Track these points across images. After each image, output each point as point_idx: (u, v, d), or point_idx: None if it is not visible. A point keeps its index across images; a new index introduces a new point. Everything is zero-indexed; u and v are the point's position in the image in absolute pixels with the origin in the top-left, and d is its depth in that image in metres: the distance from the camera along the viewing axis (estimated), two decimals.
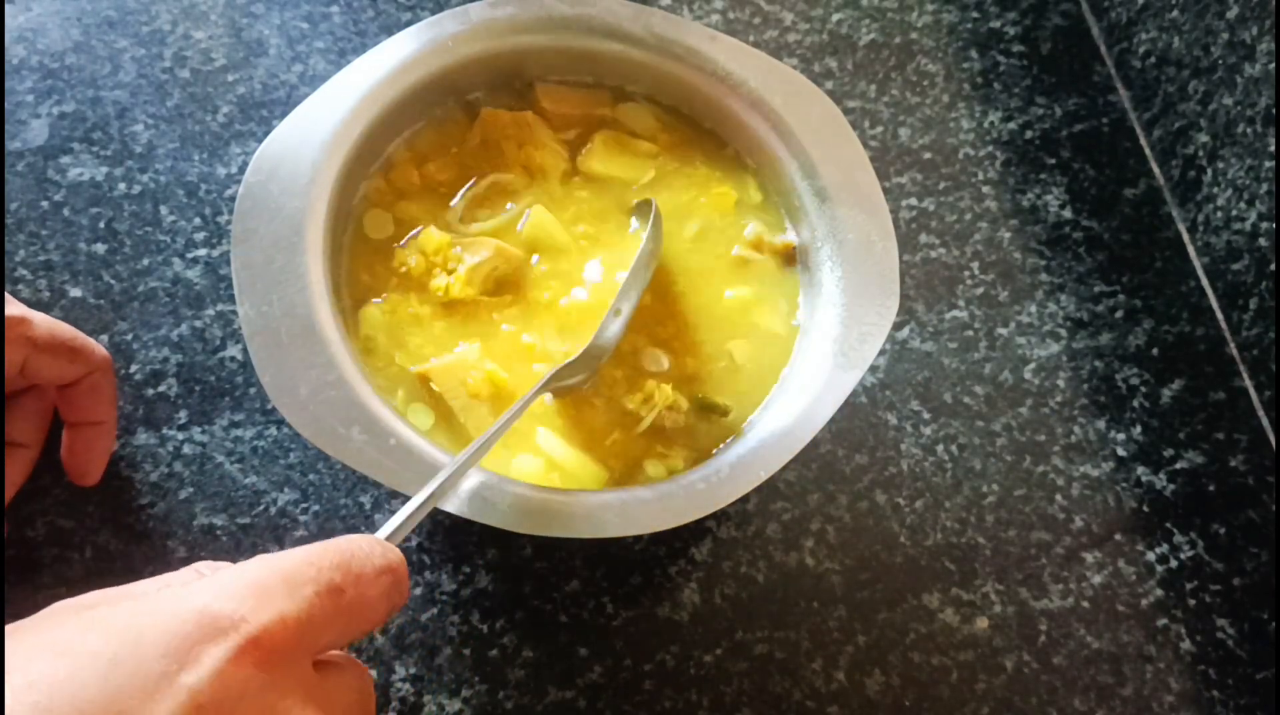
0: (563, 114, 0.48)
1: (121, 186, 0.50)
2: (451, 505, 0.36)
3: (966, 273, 0.55)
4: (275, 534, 0.44)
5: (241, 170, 0.51)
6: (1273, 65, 0.51)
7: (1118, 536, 0.49)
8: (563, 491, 0.38)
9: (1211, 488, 0.51)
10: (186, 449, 0.45)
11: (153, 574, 0.31)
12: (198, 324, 0.47)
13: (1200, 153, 0.56)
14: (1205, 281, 0.57)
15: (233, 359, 0.47)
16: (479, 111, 0.47)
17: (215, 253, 0.49)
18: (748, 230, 0.47)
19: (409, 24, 0.46)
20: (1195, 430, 0.52)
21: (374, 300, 0.42)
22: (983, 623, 0.46)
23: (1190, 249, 0.57)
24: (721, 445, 0.42)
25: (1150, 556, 0.49)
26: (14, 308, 0.38)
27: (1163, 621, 0.48)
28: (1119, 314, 0.55)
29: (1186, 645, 0.47)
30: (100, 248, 0.48)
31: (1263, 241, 0.53)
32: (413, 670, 0.42)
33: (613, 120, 0.48)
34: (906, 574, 0.47)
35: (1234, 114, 0.54)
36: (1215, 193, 0.56)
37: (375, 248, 0.43)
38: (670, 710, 0.43)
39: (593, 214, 0.46)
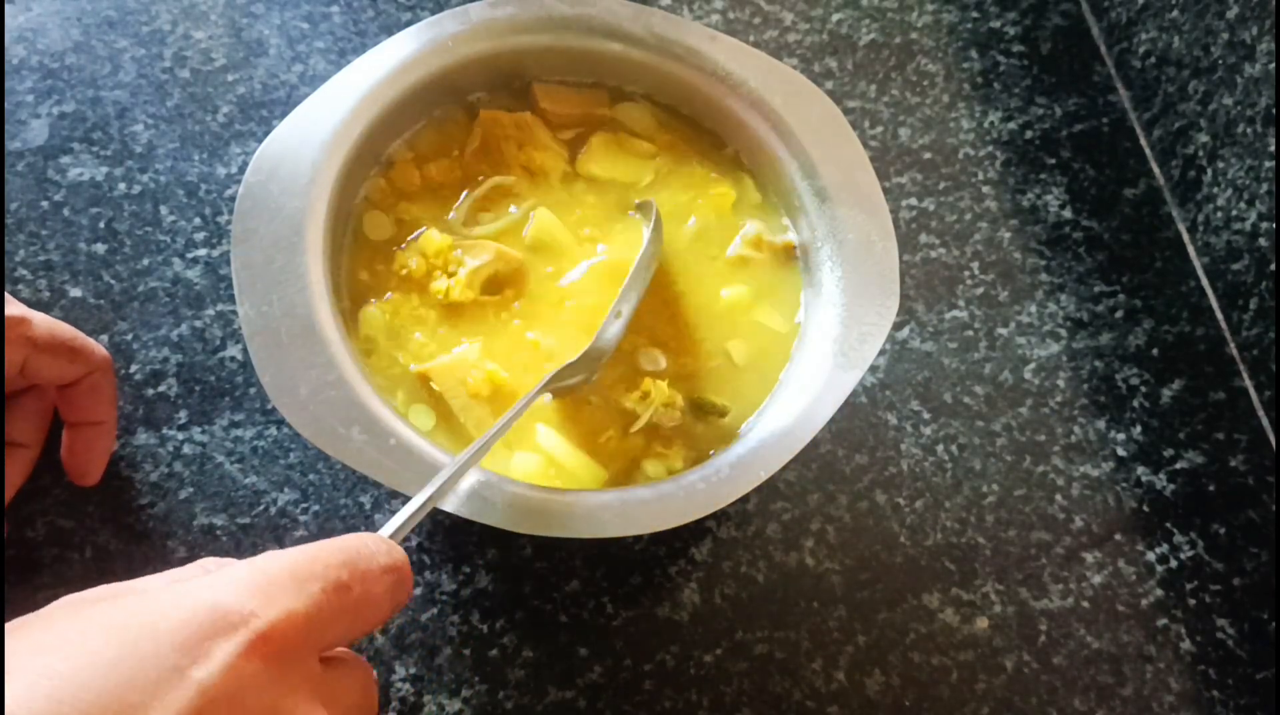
0: (561, 114, 0.48)
1: (121, 186, 0.50)
2: (451, 505, 0.36)
3: (966, 273, 0.55)
4: (275, 534, 0.44)
5: (241, 170, 0.51)
6: (1273, 65, 0.51)
7: (1118, 536, 0.49)
8: (563, 491, 0.38)
9: (1211, 488, 0.51)
10: (186, 449, 0.45)
11: (153, 574, 0.31)
12: (198, 324, 0.47)
13: (1200, 153, 0.56)
14: (1205, 281, 0.57)
15: (233, 359, 0.47)
16: (479, 112, 0.47)
17: (215, 253, 0.49)
18: (747, 229, 0.47)
19: (409, 24, 0.46)
20: (1195, 430, 0.52)
21: (374, 301, 0.42)
22: (983, 623, 0.46)
23: (1190, 249, 0.57)
24: (721, 445, 0.42)
25: (1150, 556, 0.49)
26: (14, 308, 0.38)
27: (1163, 621, 0.48)
28: (1119, 314, 0.55)
29: (1186, 645, 0.47)
30: (100, 248, 0.48)
31: (1263, 241, 0.53)
32: (413, 670, 0.42)
33: (612, 120, 0.48)
34: (906, 574, 0.47)
35: (1234, 114, 0.54)
36: (1215, 193, 0.56)
37: (375, 248, 0.43)
38: (670, 710, 0.43)
39: (597, 217, 0.46)
